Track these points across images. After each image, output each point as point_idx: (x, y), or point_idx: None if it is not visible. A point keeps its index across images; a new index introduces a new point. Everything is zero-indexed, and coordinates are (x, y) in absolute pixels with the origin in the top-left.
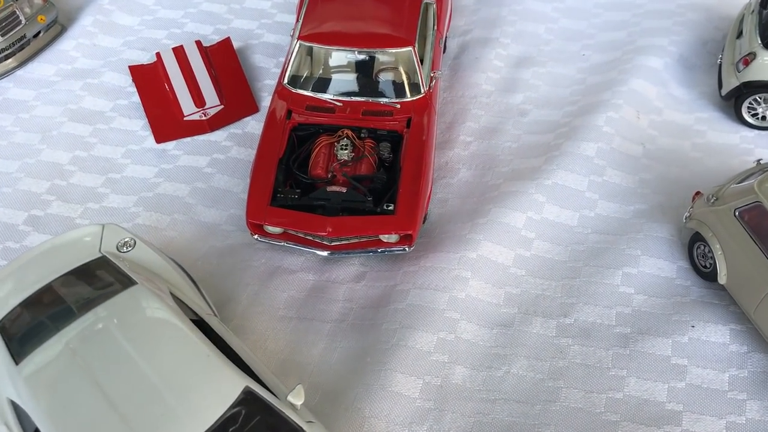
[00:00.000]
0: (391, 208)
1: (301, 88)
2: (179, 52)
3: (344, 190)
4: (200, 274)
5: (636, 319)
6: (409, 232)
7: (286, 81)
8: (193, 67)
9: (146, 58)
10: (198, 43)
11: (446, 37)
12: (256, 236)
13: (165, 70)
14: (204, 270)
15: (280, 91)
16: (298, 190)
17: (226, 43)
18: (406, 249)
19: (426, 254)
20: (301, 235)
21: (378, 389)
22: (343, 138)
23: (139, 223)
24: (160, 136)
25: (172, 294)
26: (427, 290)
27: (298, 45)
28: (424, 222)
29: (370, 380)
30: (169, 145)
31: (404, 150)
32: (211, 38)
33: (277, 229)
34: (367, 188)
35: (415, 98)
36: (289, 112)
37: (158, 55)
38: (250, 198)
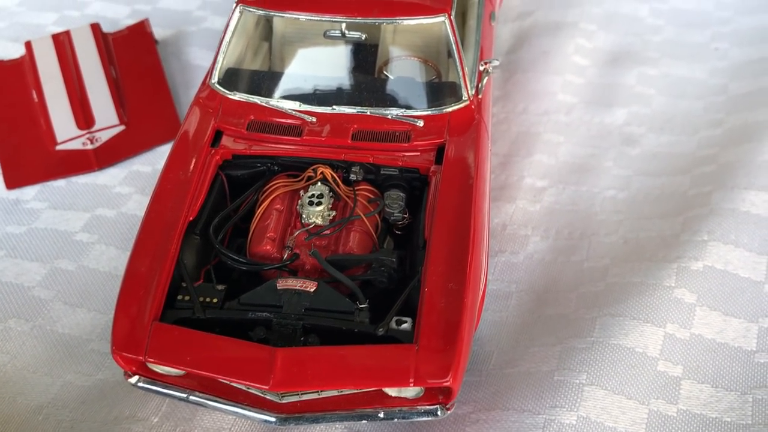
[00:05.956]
0: (407, 326)
1: (241, 92)
2: (62, 42)
3: (312, 287)
4: None
5: None
6: (446, 383)
7: (215, 79)
8: (80, 65)
9: (17, 52)
10: (94, 27)
11: (497, 14)
12: (134, 379)
13: (35, 69)
14: None
15: (204, 98)
16: (220, 287)
17: (140, 28)
18: (439, 413)
19: (474, 413)
20: (225, 382)
21: None
22: (316, 182)
23: None
24: (14, 176)
25: None
26: None
27: (239, 14)
28: None
29: None
30: (27, 192)
31: (432, 206)
32: (126, 23)
33: (174, 370)
34: (359, 282)
35: (452, 109)
36: (216, 134)
37: (28, 45)
38: (118, 307)
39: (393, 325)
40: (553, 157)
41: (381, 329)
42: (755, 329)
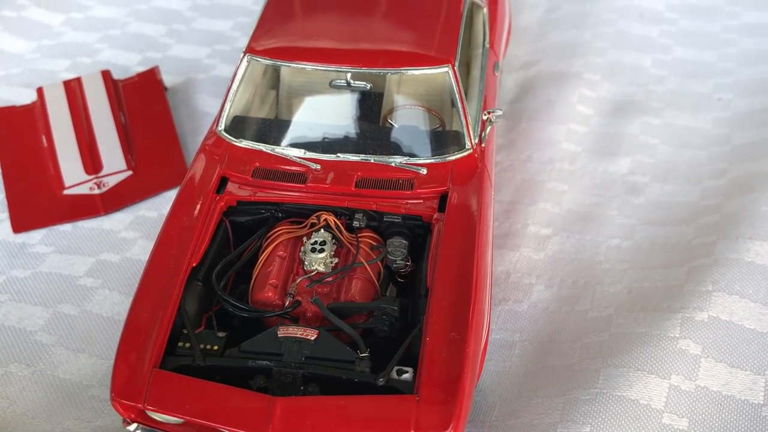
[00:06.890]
0: (408, 376)
1: (247, 139)
2: (73, 89)
3: (313, 335)
4: None
5: None
6: None
7: (221, 126)
8: (90, 111)
9: (29, 97)
10: (105, 74)
11: (501, 65)
12: (133, 427)
13: (46, 115)
14: None
15: (211, 145)
16: (221, 334)
17: (150, 75)
18: None
19: None
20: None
21: None
22: (319, 229)
23: None
24: (21, 220)
25: None
26: None
27: (246, 63)
28: None
29: None
30: (33, 236)
31: (435, 254)
32: (136, 70)
33: (173, 418)
34: (360, 330)
35: (455, 157)
36: (222, 181)
37: (40, 92)
38: (119, 353)
39: (394, 374)
40: (557, 206)
41: (381, 379)
42: (762, 382)
